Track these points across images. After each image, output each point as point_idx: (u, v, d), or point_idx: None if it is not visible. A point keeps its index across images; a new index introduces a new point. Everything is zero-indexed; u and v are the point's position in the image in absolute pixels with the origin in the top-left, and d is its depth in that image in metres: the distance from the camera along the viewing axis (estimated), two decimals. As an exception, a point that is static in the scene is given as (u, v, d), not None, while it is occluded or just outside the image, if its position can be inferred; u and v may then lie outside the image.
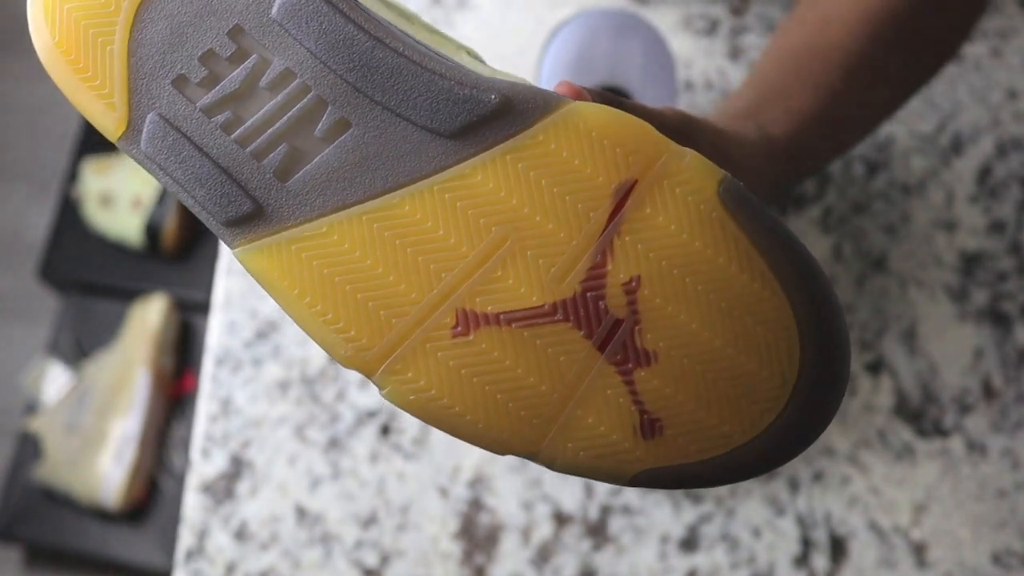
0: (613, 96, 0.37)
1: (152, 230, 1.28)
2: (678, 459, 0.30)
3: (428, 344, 0.31)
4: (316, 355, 0.63)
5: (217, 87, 0.33)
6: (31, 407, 1.28)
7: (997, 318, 0.63)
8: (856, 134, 0.49)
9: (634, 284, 0.30)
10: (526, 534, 0.59)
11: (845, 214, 0.65)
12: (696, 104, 0.67)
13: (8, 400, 1.43)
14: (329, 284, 0.31)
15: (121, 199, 1.30)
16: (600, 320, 0.30)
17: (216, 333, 0.63)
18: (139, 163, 0.33)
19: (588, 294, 0.31)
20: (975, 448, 0.60)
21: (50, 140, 1.57)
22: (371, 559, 0.59)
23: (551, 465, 0.31)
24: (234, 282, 0.64)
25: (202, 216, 0.33)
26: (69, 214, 1.35)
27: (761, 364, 0.30)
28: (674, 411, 0.30)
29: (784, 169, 0.45)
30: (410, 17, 0.35)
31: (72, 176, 1.37)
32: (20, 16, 1.66)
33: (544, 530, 0.59)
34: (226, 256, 0.65)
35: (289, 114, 0.32)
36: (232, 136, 0.32)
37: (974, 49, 0.68)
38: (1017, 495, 0.59)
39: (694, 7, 0.70)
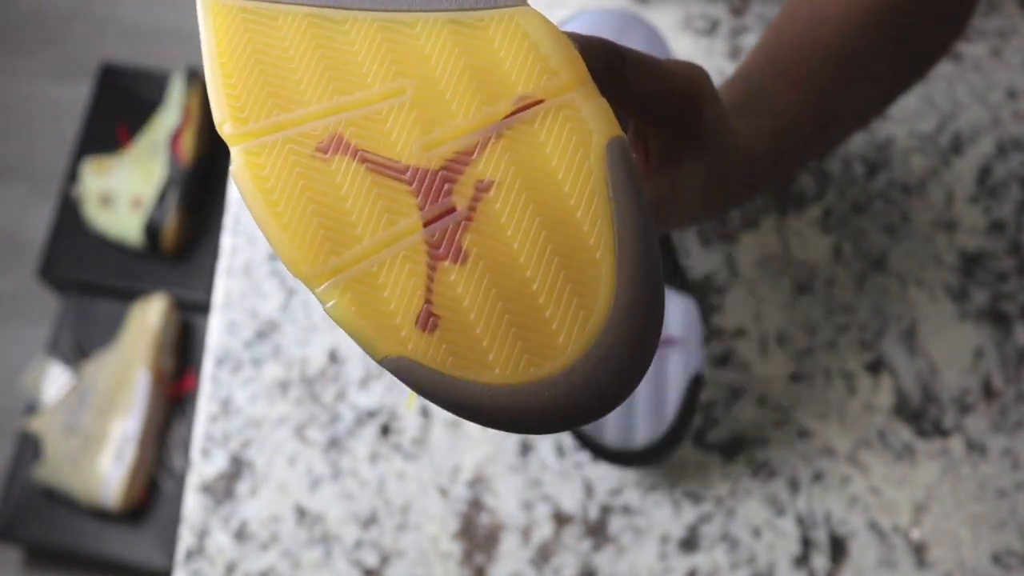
0: (621, 46, 0.37)
1: (152, 230, 1.28)
2: (433, 363, 0.30)
3: (291, 144, 0.32)
4: (316, 355, 0.63)
5: None
6: (31, 407, 1.28)
7: (997, 318, 0.63)
8: (842, 134, 0.49)
9: (486, 184, 0.31)
10: (526, 534, 0.59)
11: (845, 214, 0.65)
12: (696, 104, 0.67)
13: (8, 400, 1.43)
14: (247, 56, 0.33)
15: (121, 199, 1.30)
16: (438, 199, 0.31)
17: (216, 333, 0.63)
18: None
19: (442, 172, 0.31)
20: (975, 448, 0.60)
21: (50, 140, 1.57)
22: (371, 559, 0.59)
23: (324, 305, 0.31)
24: (234, 282, 0.64)
25: None
26: (69, 214, 1.35)
27: (555, 316, 0.29)
28: (455, 317, 0.30)
29: (762, 169, 0.45)
30: None
31: (72, 176, 1.36)
32: (22, 16, 1.66)
33: (544, 530, 0.59)
34: (226, 256, 0.65)
35: None
36: None
37: (974, 49, 0.68)
38: (1017, 495, 0.59)
39: (694, 7, 0.70)
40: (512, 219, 0.30)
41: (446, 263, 0.30)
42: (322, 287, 0.31)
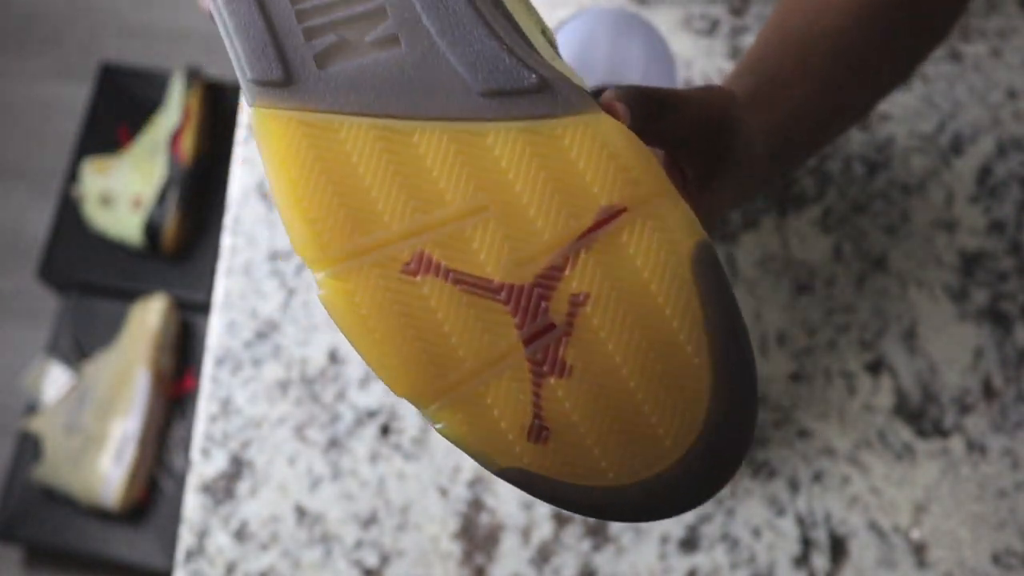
0: (657, 90, 0.37)
1: (152, 230, 1.28)
2: (550, 472, 0.31)
3: (378, 268, 0.31)
4: (316, 355, 0.63)
5: None
6: (31, 407, 1.28)
7: (997, 318, 0.63)
8: (842, 127, 0.49)
9: (581, 299, 0.31)
10: (526, 534, 0.59)
11: (845, 214, 0.65)
12: (696, 104, 0.67)
13: (8, 400, 1.43)
14: (317, 175, 0.32)
15: (121, 199, 1.30)
16: (536, 317, 0.31)
17: (216, 333, 0.63)
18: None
19: (537, 289, 0.31)
20: (975, 448, 0.60)
21: (50, 140, 1.57)
22: (371, 559, 0.59)
23: (435, 424, 0.31)
24: (234, 282, 0.64)
25: (236, 66, 0.33)
26: (69, 214, 1.35)
27: (661, 422, 0.31)
28: (565, 428, 0.31)
29: (777, 159, 0.46)
30: None
31: (72, 176, 1.37)
32: (22, 16, 1.66)
33: (544, 530, 0.59)
34: (226, 256, 0.65)
35: (352, 10, 0.33)
36: (296, 7, 0.33)
37: (974, 49, 0.68)
38: (1017, 495, 0.59)
39: (694, 7, 0.70)
40: (610, 331, 0.31)
41: (551, 379, 0.31)
42: (431, 409, 0.31)
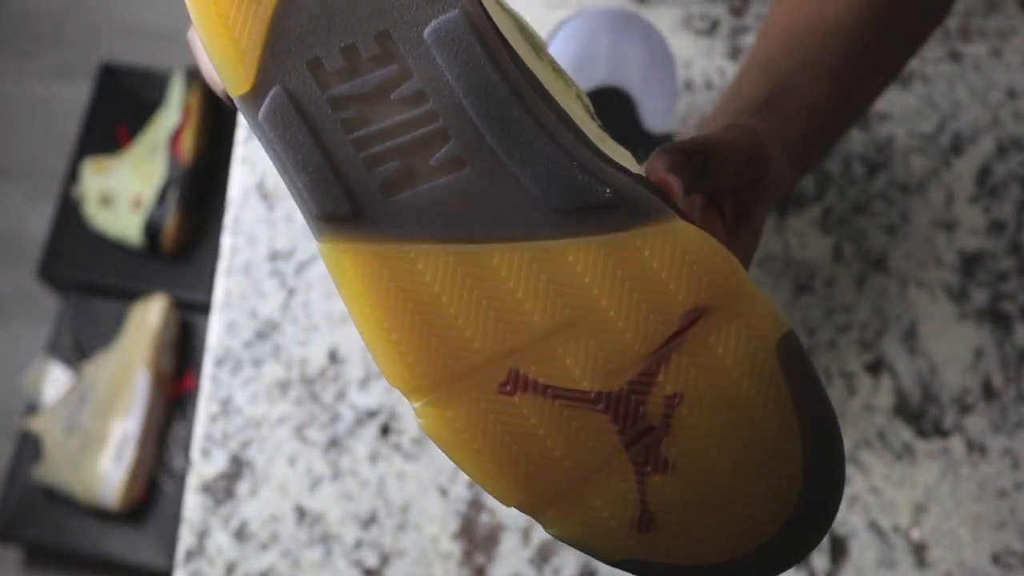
0: (699, 148, 0.38)
1: (152, 230, 1.28)
2: (662, 557, 0.33)
3: (475, 391, 0.32)
4: (316, 355, 0.63)
5: (350, 82, 0.32)
6: (31, 407, 1.28)
7: (997, 318, 0.63)
8: (851, 124, 0.50)
9: (676, 400, 0.32)
10: (526, 534, 0.59)
11: (845, 214, 0.65)
12: (695, 104, 0.67)
13: (8, 400, 1.43)
14: (401, 306, 0.32)
15: (121, 199, 1.30)
16: (635, 422, 0.32)
17: (216, 333, 0.63)
18: (252, 129, 0.33)
19: (633, 396, 0.32)
20: (975, 448, 0.60)
21: (50, 140, 1.58)
22: (371, 559, 0.59)
23: (548, 528, 0.33)
24: (234, 282, 0.64)
25: (297, 202, 0.33)
26: (69, 214, 1.35)
27: (758, 505, 0.32)
28: (672, 516, 0.33)
29: (796, 170, 0.46)
30: (539, 49, 0.36)
31: (72, 176, 1.37)
32: (22, 16, 1.66)
33: (544, 530, 0.59)
34: (226, 256, 0.65)
35: (412, 134, 0.32)
36: (351, 136, 0.32)
37: (974, 49, 0.68)
38: (1017, 495, 0.59)
39: (694, 7, 0.70)
40: (707, 427, 0.32)
41: (655, 476, 0.32)
42: (544, 516, 0.33)
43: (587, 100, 0.39)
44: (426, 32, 0.32)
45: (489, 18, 0.32)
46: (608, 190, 0.32)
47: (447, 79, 0.32)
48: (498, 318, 0.32)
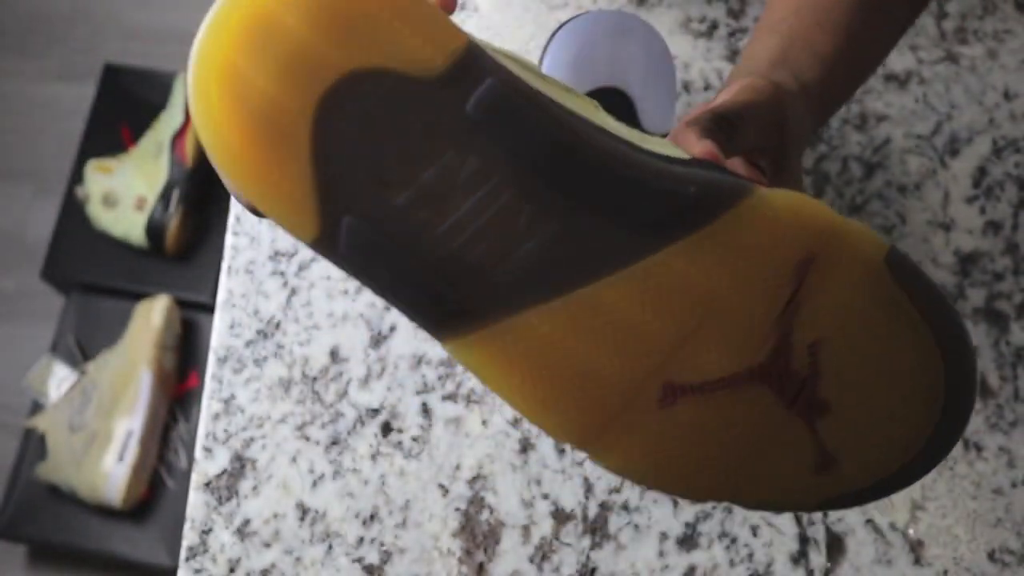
0: (716, 114, 0.39)
1: (155, 230, 1.29)
2: (843, 489, 0.35)
3: (638, 417, 0.33)
4: (317, 354, 0.63)
5: (413, 187, 0.32)
6: (35, 406, 1.29)
7: (993, 317, 0.63)
8: (868, 72, 0.51)
9: (816, 346, 0.34)
10: (526, 532, 0.59)
11: (842, 214, 0.65)
12: (694, 105, 0.68)
13: (13, 399, 1.43)
14: (540, 368, 0.33)
15: (125, 199, 1.31)
16: (789, 380, 0.34)
17: (219, 332, 0.64)
18: (338, 267, 0.33)
19: (779, 359, 0.34)
20: (971, 446, 0.61)
21: (54, 140, 1.58)
22: (372, 557, 0.59)
23: (746, 504, 0.34)
24: (236, 282, 0.65)
25: (409, 314, 0.33)
26: (73, 214, 1.36)
27: (913, 408, 0.34)
28: (846, 449, 0.34)
29: (817, 115, 0.47)
30: (556, 83, 0.36)
31: (76, 176, 1.37)
32: (25, 16, 1.67)
33: (544, 528, 0.59)
34: (229, 256, 0.66)
35: (488, 212, 0.32)
36: (435, 235, 0.32)
37: (970, 51, 0.69)
38: (1013, 493, 0.60)
39: (693, 9, 0.70)
40: (847, 356, 0.34)
41: (819, 421, 0.34)
42: (742, 499, 0.35)
43: (597, 103, 0.39)
44: (469, 107, 0.31)
45: (516, 75, 0.32)
46: (692, 188, 0.33)
47: (500, 149, 0.32)
48: (631, 341, 0.33)
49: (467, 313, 0.32)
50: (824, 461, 0.34)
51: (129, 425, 1.21)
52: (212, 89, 0.31)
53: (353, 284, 0.65)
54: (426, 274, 0.32)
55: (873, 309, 0.34)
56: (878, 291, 0.34)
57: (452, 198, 0.32)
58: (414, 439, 0.61)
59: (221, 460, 0.61)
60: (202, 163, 1.34)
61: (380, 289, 0.33)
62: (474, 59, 0.31)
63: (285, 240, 0.66)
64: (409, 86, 0.31)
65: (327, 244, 0.32)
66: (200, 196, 1.34)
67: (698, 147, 0.37)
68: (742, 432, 0.34)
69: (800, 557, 0.59)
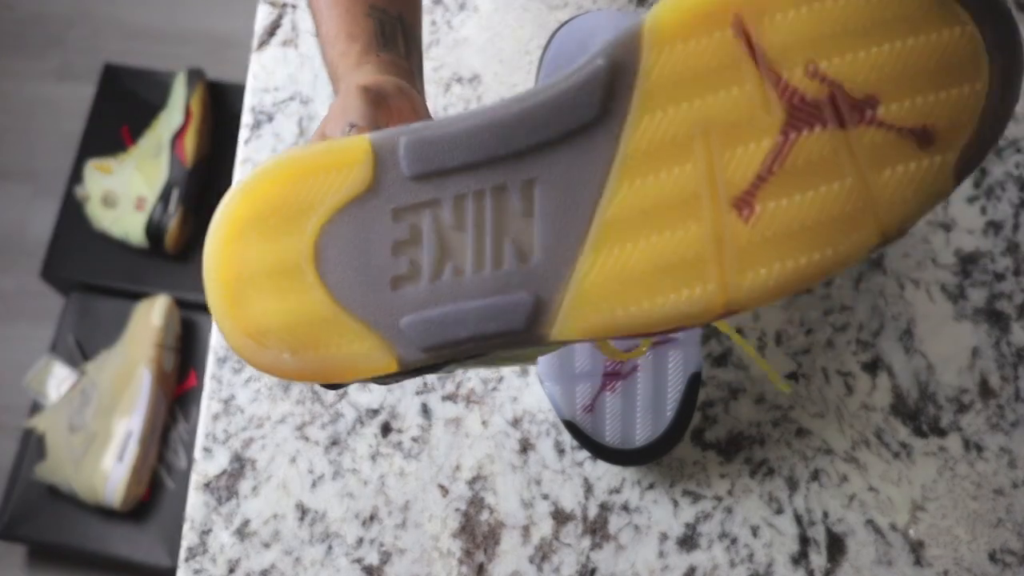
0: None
1: (155, 230, 1.29)
2: (951, 150, 0.33)
3: (735, 242, 0.33)
4: (317, 354, 0.63)
5: (424, 258, 0.34)
6: (34, 406, 1.29)
7: (994, 317, 0.63)
8: None
9: (811, 67, 0.33)
10: (526, 532, 0.59)
11: (843, 214, 0.65)
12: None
13: (11, 399, 1.43)
14: (640, 283, 0.33)
15: (124, 199, 1.31)
16: (820, 107, 0.33)
17: (218, 333, 0.64)
18: (431, 370, 0.35)
19: (794, 101, 0.33)
20: (972, 447, 0.60)
21: (53, 140, 1.58)
22: (372, 557, 0.59)
23: (889, 221, 0.33)
24: (236, 282, 0.65)
25: (508, 340, 0.34)
26: (72, 214, 1.36)
27: (954, 104, 0.33)
28: (927, 119, 0.33)
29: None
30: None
31: (75, 176, 1.37)
32: (26, 18, 1.67)
33: (544, 528, 0.59)
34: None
35: (488, 222, 0.34)
36: (468, 274, 0.34)
37: (972, 50, 0.69)
38: (1014, 493, 0.60)
39: (693, 8, 0.70)
40: (851, 51, 0.33)
41: (878, 109, 0.33)
42: (882, 228, 0.34)
43: None
44: (405, 171, 0.34)
45: (419, 127, 0.35)
46: (599, 60, 0.34)
47: (452, 171, 0.35)
48: (677, 201, 0.33)
49: (541, 302, 0.34)
50: (922, 136, 0.33)
51: (128, 425, 1.21)
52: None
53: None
54: (489, 300, 0.34)
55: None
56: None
57: (456, 238, 0.34)
58: (414, 439, 0.61)
59: (221, 460, 0.61)
60: (201, 163, 1.34)
61: (471, 347, 0.34)
62: (380, 155, 0.34)
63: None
64: (362, 205, 0.34)
65: (404, 360, 0.34)
66: (200, 196, 1.34)
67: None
68: (834, 174, 0.33)
69: (800, 558, 0.59)
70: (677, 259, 0.33)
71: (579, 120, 0.33)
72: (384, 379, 0.36)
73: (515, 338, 0.34)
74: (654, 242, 0.33)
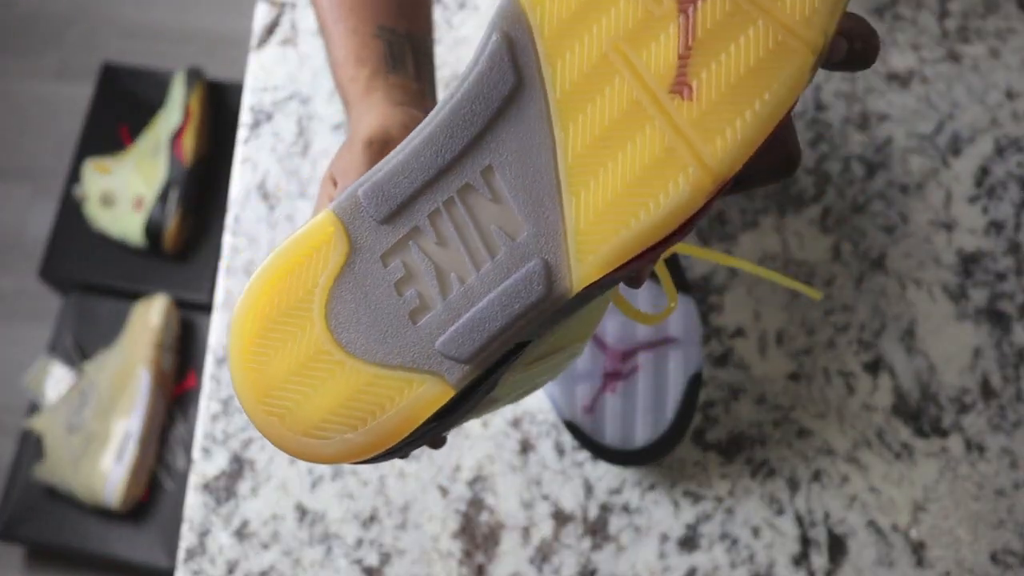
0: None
1: (153, 230, 1.29)
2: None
3: (690, 120, 0.34)
4: (317, 355, 0.63)
5: (428, 284, 0.35)
6: (33, 406, 1.29)
7: (995, 318, 0.63)
8: None
9: None
10: (526, 533, 0.59)
11: (844, 214, 0.65)
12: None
13: (10, 399, 1.43)
14: (628, 199, 0.34)
15: (123, 199, 1.30)
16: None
17: (217, 332, 0.64)
18: (489, 389, 0.36)
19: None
20: (973, 447, 0.60)
21: (52, 140, 1.58)
22: (372, 558, 0.59)
23: (817, 44, 0.33)
24: (235, 282, 0.65)
25: (538, 312, 0.35)
26: (71, 214, 1.35)
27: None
28: None
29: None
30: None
31: (74, 176, 1.37)
32: (24, 17, 1.66)
33: (544, 529, 0.59)
34: (227, 256, 0.65)
35: (469, 224, 0.35)
36: (473, 277, 0.35)
37: (973, 50, 0.69)
38: (1015, 494, 0.59)
39: (694, 8, 0.70)
40: None
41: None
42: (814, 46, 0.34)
43: None
44: (371, 210, 0.35)
45: (378, 176, 0.36)
46: (493, 35, 0.34)
47: (415, 193, 0.36)
48: (621, 125, 0.34)
49: (551, 266, 0.34)
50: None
51: (127, 426, 1.21)
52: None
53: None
54: (507, 287, 0.35)
55: None
56: None
57: (447, 249, 0.35)
58: (414, 440, 0.61)
59: (219, 461, 0.61)
60: (200, 163, 1.34)
61: (513, 336, 0.35)
62: (345, 218, 0.36)
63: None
64: (352, 268, 0.36)
65: (459, 384, 0.35)
66: (198, 196, 1.34)
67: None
68: (739, 27, 0.33)
69: (801, 559, 0.58)
70: (650, 161, 0.34)
71: (501, 94, 0.34)
72: (443, 420, 0.37)
73: (543, 306, 0.35)
74: (621, 159, 0.34)
